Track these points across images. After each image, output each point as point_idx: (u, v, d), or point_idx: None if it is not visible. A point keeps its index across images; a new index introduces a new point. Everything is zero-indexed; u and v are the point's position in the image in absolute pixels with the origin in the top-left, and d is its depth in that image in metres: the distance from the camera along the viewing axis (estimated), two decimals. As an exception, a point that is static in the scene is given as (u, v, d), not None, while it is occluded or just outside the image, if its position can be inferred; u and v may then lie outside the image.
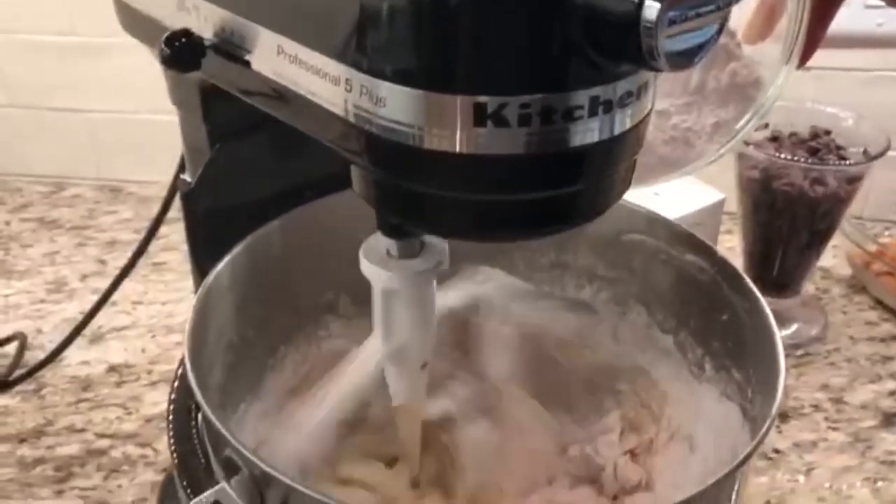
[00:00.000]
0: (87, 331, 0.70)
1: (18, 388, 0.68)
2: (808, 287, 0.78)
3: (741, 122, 0.42)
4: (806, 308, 0.77)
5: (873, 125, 0.70)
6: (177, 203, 0.59)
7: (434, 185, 0.31)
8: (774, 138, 0.71)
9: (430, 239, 0.39)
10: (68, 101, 0.94)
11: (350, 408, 0.46)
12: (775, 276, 0.74)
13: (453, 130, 0.29)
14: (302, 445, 0.44)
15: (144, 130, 0.93)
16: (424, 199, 0.32)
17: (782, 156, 0.67)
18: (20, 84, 0.93)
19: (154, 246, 0.63)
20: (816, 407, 0.68)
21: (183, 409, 0.45)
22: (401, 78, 0.29)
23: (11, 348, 0.71)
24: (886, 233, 0.84)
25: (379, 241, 0.39)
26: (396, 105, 0.29)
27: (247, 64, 0.36)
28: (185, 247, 0.85)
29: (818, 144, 0.70)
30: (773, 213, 0.70)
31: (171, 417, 0.43)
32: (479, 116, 0.29)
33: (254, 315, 0.47)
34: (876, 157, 0.67)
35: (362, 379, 0.46)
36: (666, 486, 0.45)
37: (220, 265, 0.43)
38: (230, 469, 0.35)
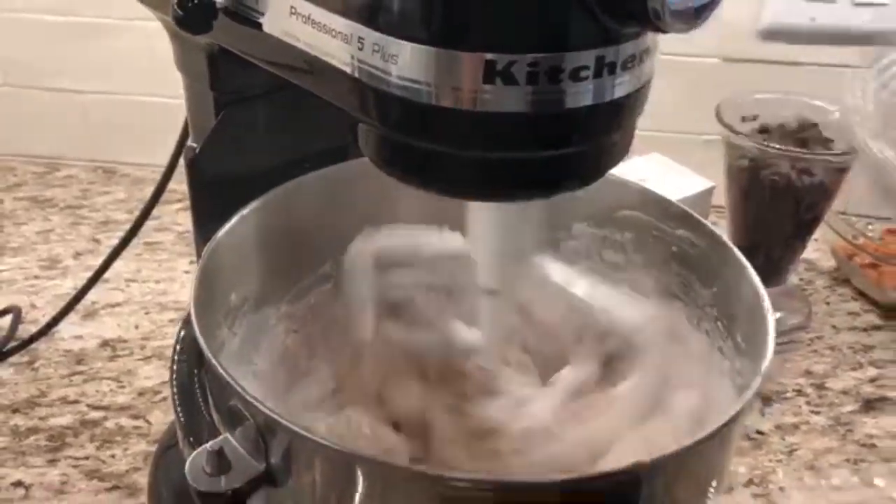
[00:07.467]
0: (81, 306, 0.71)
1: (12, 360, 0.69)
2: (793, 278, 0.79)
3: None
4: (790, 298, 0.78)
5: (859, 118, 0.71)
6: (171, 184, 0.60)
7: (443, 143, 0.32)
8: (763, 130, 0.72)
9: None
10: (62, 82, 0.94)
11: None
12: (761, 266, 0.75)
13: (463, 88, 0.30)
14: None
15: (138, 112, 0.93)
16: (432, 157, 0.33)
17: (772, 145, 0.68)
18: (14, 64, 0.93)
19: (147, 226, 0.64)
20: (799, 391, 0.69)
21: (185, 372, 0.45)
22: (412, 35, 0.30)
23: (5, 321, 0.71)
24: (869, 227, 0.85)
25: None
26: (408, 62, 0.30)
27: (258, 26, 0.37)
28: (177, 227, 0.87)
29: (806, 136, 0.72)
30: (760, 203, 0.72)
31: (174, 378, 0.44)
32: (489, 74, 0.30)
33: (252, 283, 0.48)
34: (862, 149, 0.69)
35: None
36: None
37: (225, 228, 0.44)
38: (234, 420, 0.36)
